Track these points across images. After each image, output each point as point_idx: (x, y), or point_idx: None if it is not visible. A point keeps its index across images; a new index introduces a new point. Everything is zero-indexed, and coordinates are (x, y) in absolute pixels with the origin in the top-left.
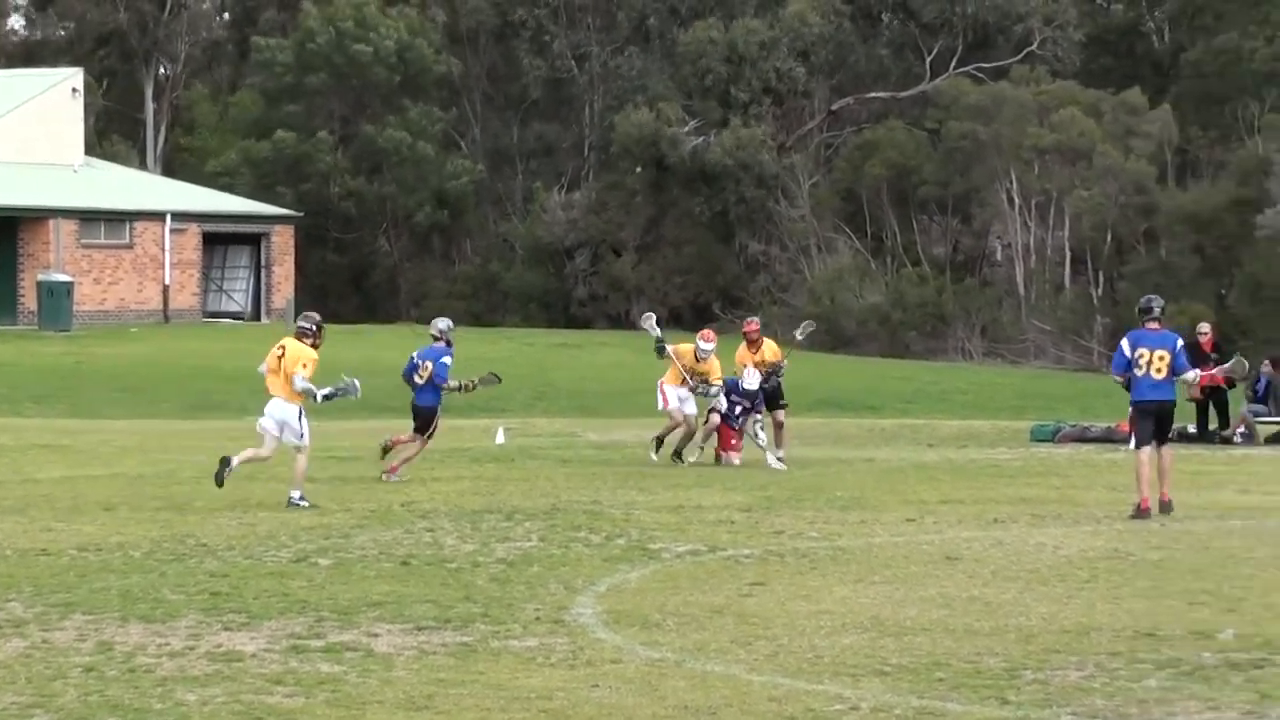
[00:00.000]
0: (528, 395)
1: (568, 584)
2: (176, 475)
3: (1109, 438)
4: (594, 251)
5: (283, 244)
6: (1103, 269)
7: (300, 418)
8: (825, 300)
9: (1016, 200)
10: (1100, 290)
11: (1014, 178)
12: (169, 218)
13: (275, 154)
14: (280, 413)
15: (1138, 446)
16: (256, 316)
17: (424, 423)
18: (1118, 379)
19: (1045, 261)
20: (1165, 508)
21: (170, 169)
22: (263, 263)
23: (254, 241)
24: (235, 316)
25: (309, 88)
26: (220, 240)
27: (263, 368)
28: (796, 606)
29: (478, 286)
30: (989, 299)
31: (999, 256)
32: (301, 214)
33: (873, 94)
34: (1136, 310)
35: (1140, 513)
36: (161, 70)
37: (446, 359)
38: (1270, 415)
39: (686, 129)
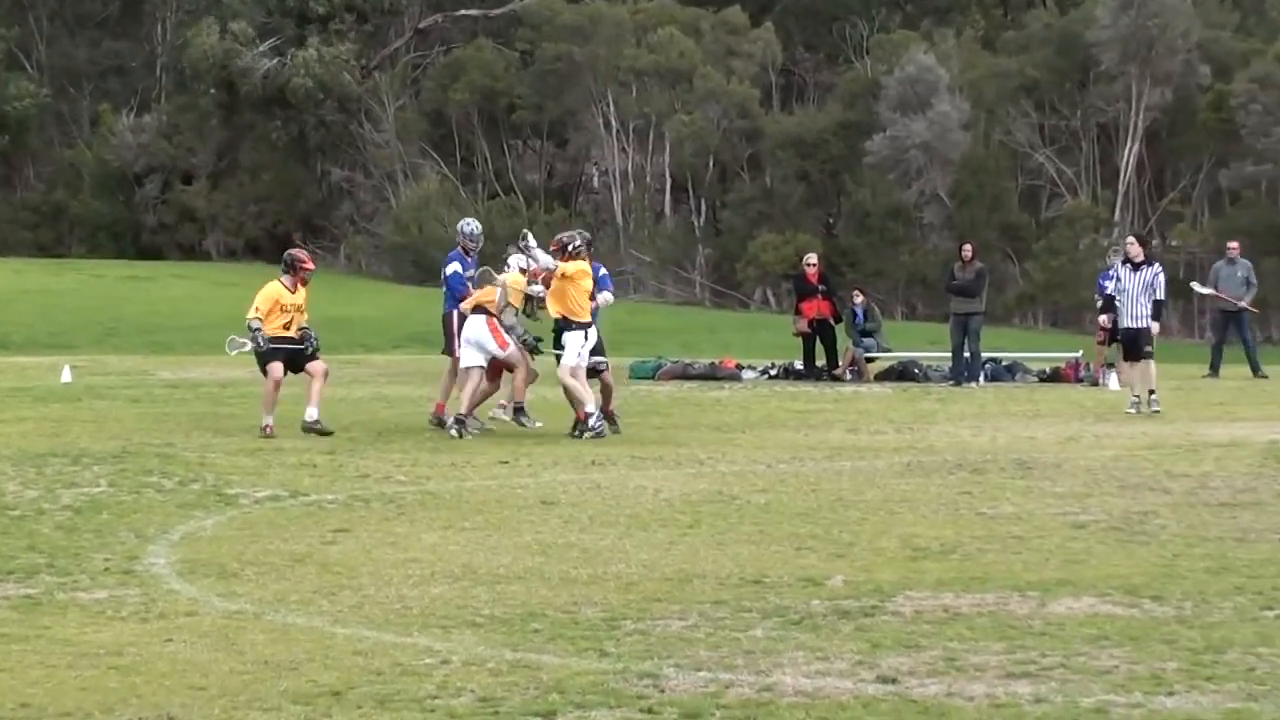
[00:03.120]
0: (96, 331)
1: (139, 532)
2: None
3: (712, 374)
4: (165, 178)
5: None
6: (705, 197)
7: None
8: (412, 230)
9: (614, 124)
10: (703, 219)
11: (611, 101)
12: None
13: None
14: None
15: None
16: None
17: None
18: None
19: (645, 189)
20: None
21: None
22: None
23: None
24: None
25: None
26: None
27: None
28: (383, 554)
29: (43, 215)
30: (584, 228)
31: (596, 183)
32: None
33: (462, 11)
34: None
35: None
36: None
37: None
38: (879, 349)
39: (261, 49)
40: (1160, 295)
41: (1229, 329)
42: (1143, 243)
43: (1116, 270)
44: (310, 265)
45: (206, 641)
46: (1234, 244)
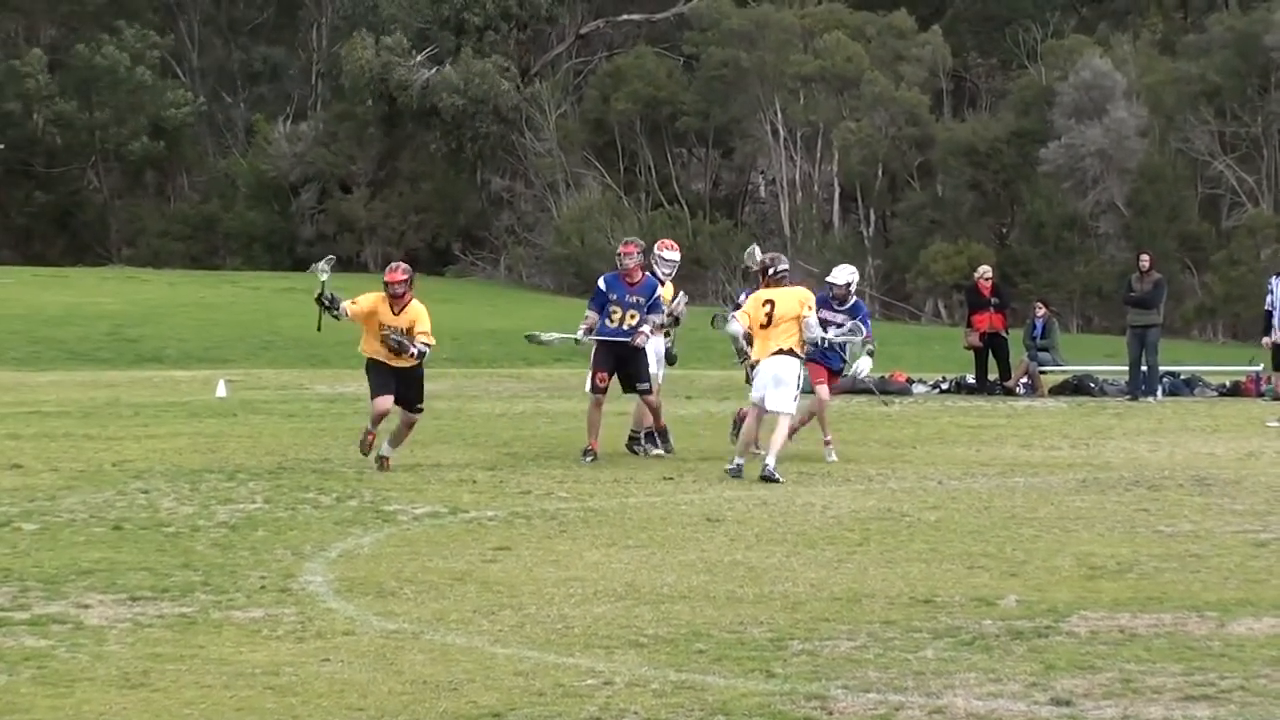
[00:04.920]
0: (252, 345)
1: (295, 549)
2: None
3: (884, 389)
4: (322, 187)
5: None
6: (874, 206)
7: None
8: (574, 241)
9: (781, 132)
10: (872, 229)
11: (778, 108)
12: None
13: None
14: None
15: None
16: None
17: None
18: None
19: (813, 198)
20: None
21: None
22: None
23: None
24: None
25: (11, 3)
26: None
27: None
28: (544, 573)
29: (196, 226)
30: (750, 238)
31: (763, 193)
32: (1, 145)
33: (625, 16)
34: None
35: None
36: None
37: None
38: (1053, 364)
39: (417, 60)
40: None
41: None
42: None
43: (1274, 281)
44: (395, 276)
45: (364, 661)
46: None
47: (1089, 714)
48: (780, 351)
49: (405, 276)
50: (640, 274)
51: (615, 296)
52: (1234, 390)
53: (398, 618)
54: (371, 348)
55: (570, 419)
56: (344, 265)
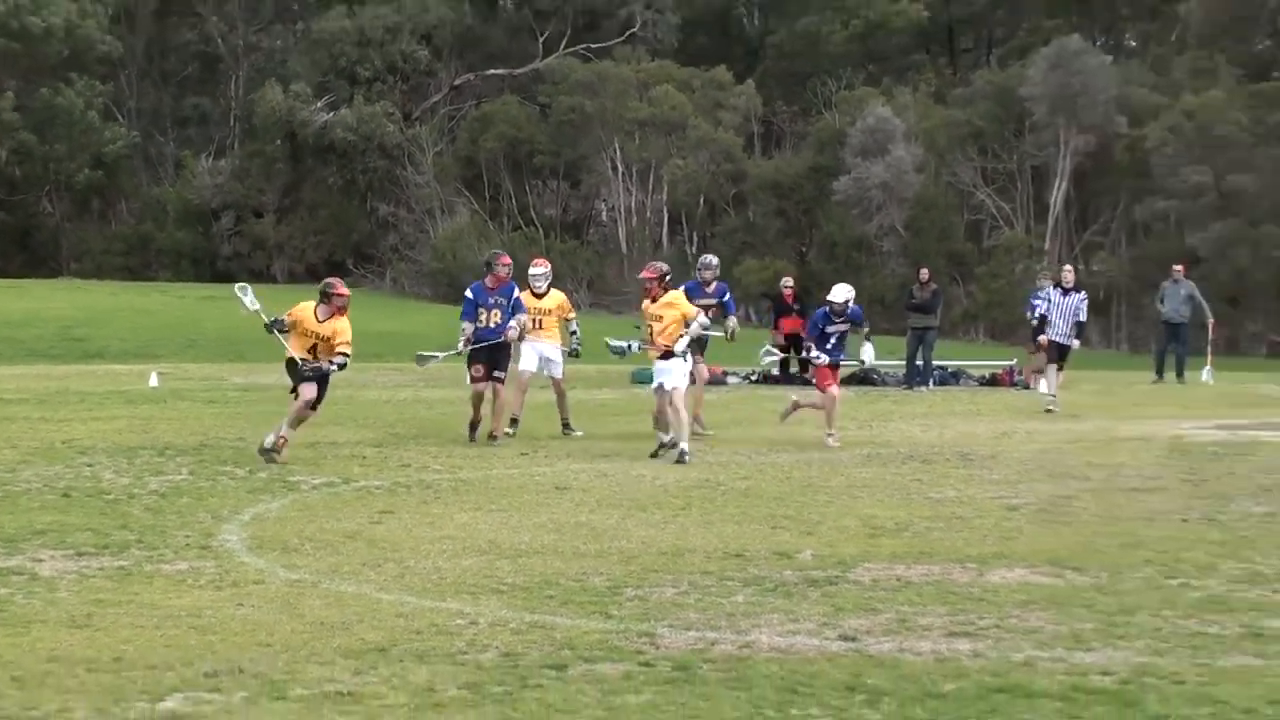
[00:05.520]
0: (179, 343)
1: (215, 513)
2: None
3: (711, 380)
4: (238, 213)
5: None
6: (696, 229)
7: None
8: (448, 257)
9: (620, 167)
10: (694, 248)
11: (617, 147)
12: None
13: None
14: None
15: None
16: None
17: None
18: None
19: (646, 222)
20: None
21: None
22: None
23: None
24: None
25: None
26: None
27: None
28: (421, 532)
29: (133, 244)
30: (593, 256)
31: (604, 218)
32: None
33: (491, 71)
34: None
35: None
36: None
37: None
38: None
39: (317, 105)
40: (1082, 318)
41: (1169, 341)
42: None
43: (1049, 292)
44: (343, 291)
45: (272, 606)
46: (1179, 266)
47: (870, 648)
48: (668, 352)
49: (347, 293)
50: (502, 280)
51: (481, 301)
52: (992, 381)
53: (299, 569)
54: (299, 349)
55: (444, 405)
56: (255, 278)
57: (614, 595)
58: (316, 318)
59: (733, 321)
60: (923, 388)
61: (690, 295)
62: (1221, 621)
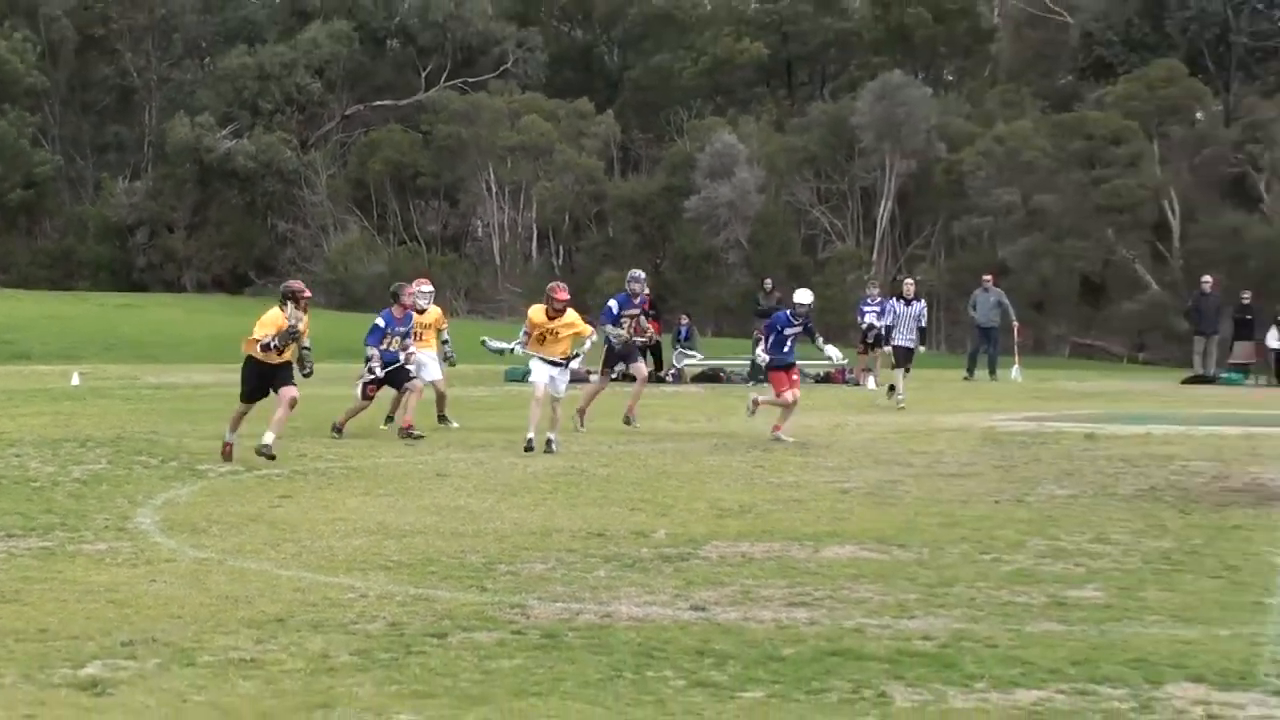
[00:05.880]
0: (98, 346)
1: (131, 498)
2: None
3: (574, 379)
4: (152, 229)
5: None
6: (562, 243)
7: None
8: (340, 268)
9: (493, 188)
10: (560, 260)
11: (491, 170)
12: None
13: None
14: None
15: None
16: None
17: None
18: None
19: (517, 237)
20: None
21: None
22: None
23: None
24: None
25: None
26: None
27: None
28: (316, 515)
29: (56, 257)
30: (470, 267)
31: (480, 233)
32: None
33: (378, 102)
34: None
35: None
36: None
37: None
38: (698, 357)
39: (222, 134)
40: (923, 324)
41: (982, 342)
42: (911, 284)
43: (892, 303)
44: (309, 294)
45: (182, 581)
46: (988, 276)
47: (718, 617)
48: (556, 361)
49: (309, 294)
50: (407, 308)
51: (390, 330)
52: (826, 379)
53: (207, 549)
54: (252, 346)
55: (339, 401)
56: (167, 288)
57: (489, 571)
58: (288, 318)
59: (651, 329)
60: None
61: (621, 306)
62: (1029, 592)
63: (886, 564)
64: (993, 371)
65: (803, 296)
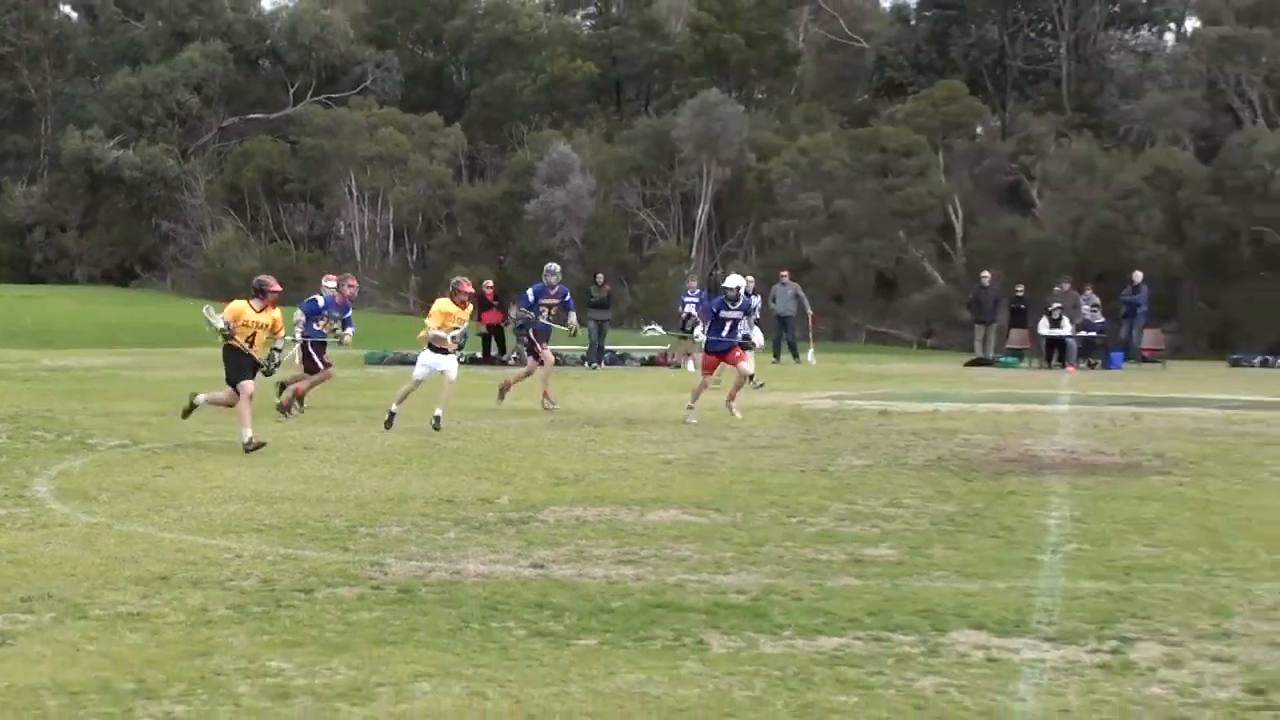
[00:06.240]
0: (1, 334)
1: (28, 469)
2: None
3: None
4: (47, 229)
5: None
6: (416, 242)
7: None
8: (217, 265)
9: (354, 193)
10: (414, 257)
11: (352, 177)
12: None
13: None
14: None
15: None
16: None
17: None
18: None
19: (376, 237)
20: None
21: None
22: None
23: None
24: None
25: None
26: None
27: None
28: (196, 484)
29: None
30: (334, 263)
31: (343, 233)
32: None
33: (251, 115)
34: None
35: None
36: None
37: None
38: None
39: (109, 145)
40: (758, 316)
41: (781, 330)
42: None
43: (702, 293)
44: (279, 288)
45: (75, 544)
46: (785, 272)
47: (555, 573)
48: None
49: (279, 289)
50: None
51: (327, 312)
52: (651, 362)
53: (97, 514)
54: (241, 341)
55: (213, 383)
56: (61, 281)
57: (351, 533)
58: (253, 309)
59: (573, 318)
60: (598, 366)
61: (538, 296)
62: (830, 551)
63: (704, 526)
64: (795, 355)
65: (731, 281)
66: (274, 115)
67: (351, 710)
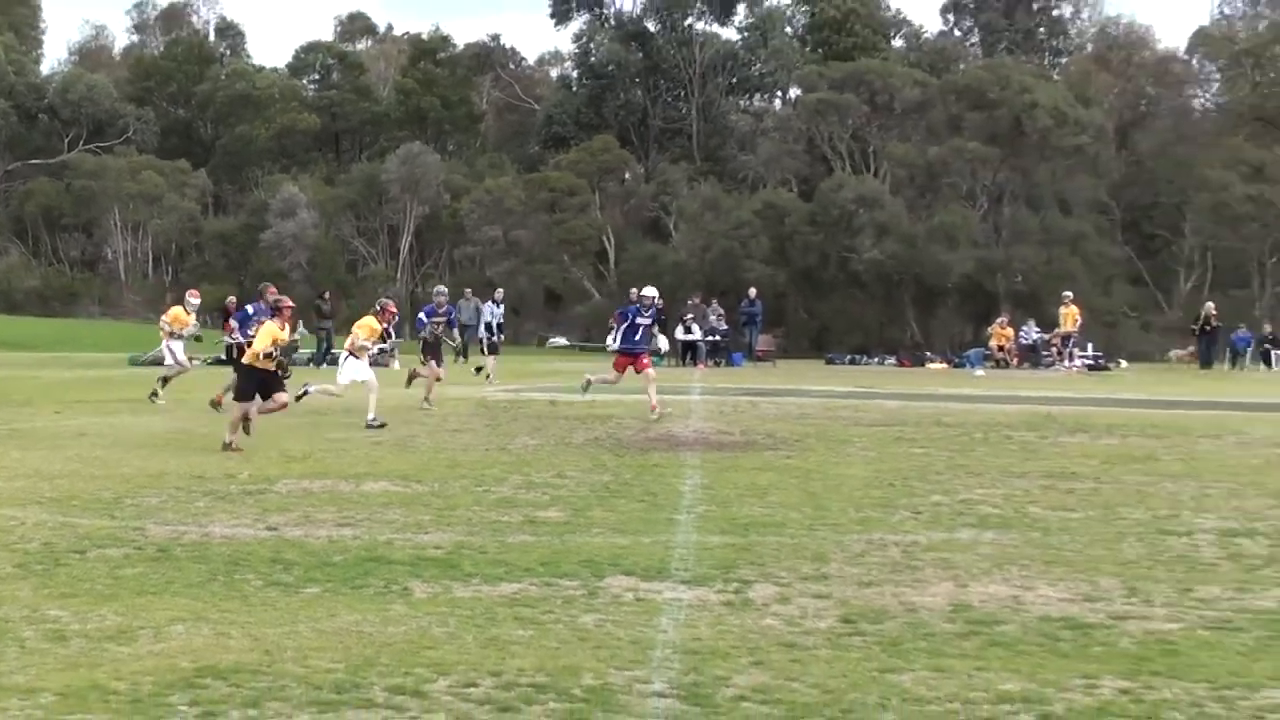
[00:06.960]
0: None
1: None
2: None
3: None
4: None
5: None
6: (171, 265)
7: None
8: (4, 284)
9: (119, 225)
10: (169, 277)
11: (117, 212)
12: None
13: None
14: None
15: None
16: None
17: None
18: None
19: (138, 261)
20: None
21: None
22: None
23: None
24: None
25: None
26: None
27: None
28: None
29: None
30: (102, 282)
31: (110, 257)
32: None
33: (33, 161)
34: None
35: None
36: None
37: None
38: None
39: None
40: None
41: (462, 336)
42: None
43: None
44: (292, 304)
45: None
46: (469, 289)
47: (286, 534)
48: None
49: (293, 305)
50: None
51: (256, 318)
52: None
53: None
54: (254, 357)
55: (64, 388)
56: None
57: (117, 504)
58: (278, 327)
59: (455, 332)
60: (323, 365)
61: (429, 315)
62: (510, 513)
63: (408, 495)
64: (465, 357)
65: (649, 290)
66: (52, 160)
67: (119, 650)
